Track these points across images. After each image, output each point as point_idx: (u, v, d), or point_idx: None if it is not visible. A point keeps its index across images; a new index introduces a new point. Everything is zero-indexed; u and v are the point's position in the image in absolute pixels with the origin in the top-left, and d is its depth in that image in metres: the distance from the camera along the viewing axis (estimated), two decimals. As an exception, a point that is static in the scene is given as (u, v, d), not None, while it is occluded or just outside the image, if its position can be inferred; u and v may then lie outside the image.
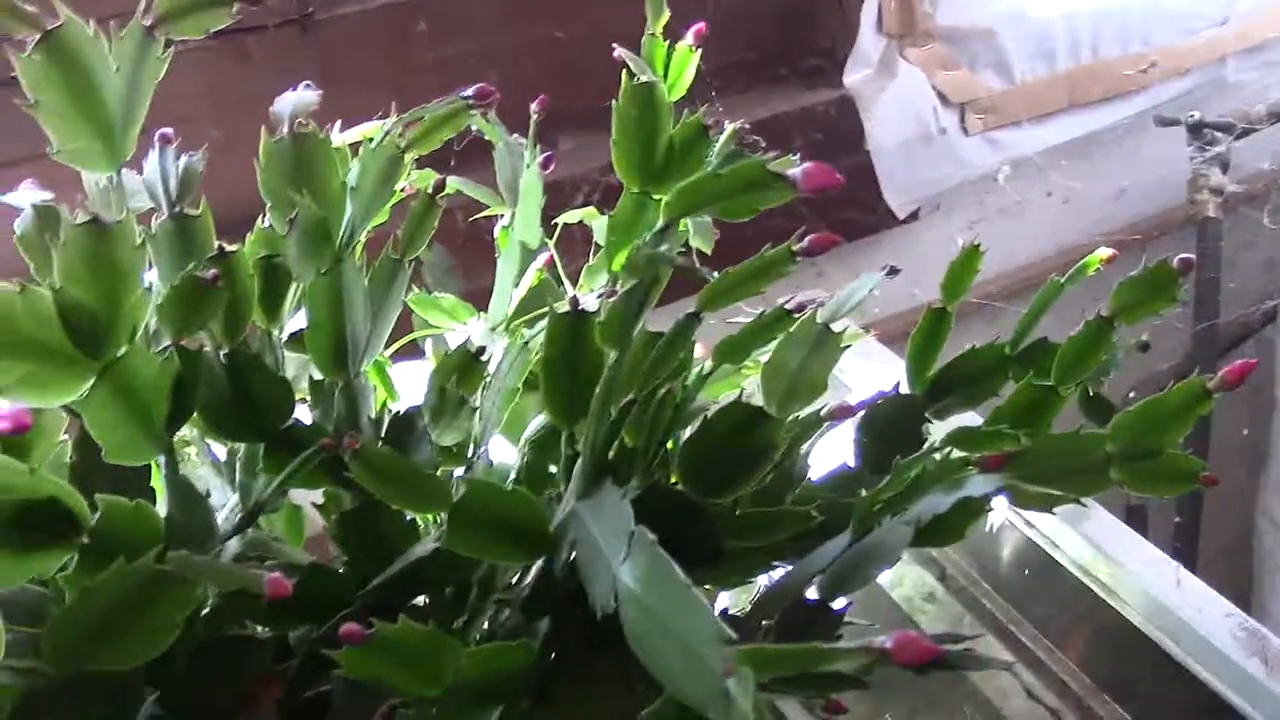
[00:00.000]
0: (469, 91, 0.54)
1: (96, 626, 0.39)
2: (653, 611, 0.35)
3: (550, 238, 0.77)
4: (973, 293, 0.67)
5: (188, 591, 0.39)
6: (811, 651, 0.31)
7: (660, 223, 0.38)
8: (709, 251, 0.75)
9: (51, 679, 0.39)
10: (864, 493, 0.64)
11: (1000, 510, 0.75)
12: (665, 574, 0.35)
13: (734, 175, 0.35)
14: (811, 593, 0.57)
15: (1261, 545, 1.64)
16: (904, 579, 0.77)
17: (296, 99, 0.55)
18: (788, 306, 0.51)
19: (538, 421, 0.67)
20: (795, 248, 0.45)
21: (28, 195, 0.57)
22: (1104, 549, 0.67)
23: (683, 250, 0.69)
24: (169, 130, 0.55)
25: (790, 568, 0.61)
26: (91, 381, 0.44)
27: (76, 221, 0.42)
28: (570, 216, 0.84)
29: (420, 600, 0.58)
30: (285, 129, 0.54)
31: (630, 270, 0.40)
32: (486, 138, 0.81)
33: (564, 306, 0.51)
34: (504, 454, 0.69)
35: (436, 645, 0.41)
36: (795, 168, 0.34)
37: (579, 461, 0.45)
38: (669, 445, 0.57)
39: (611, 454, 0.51)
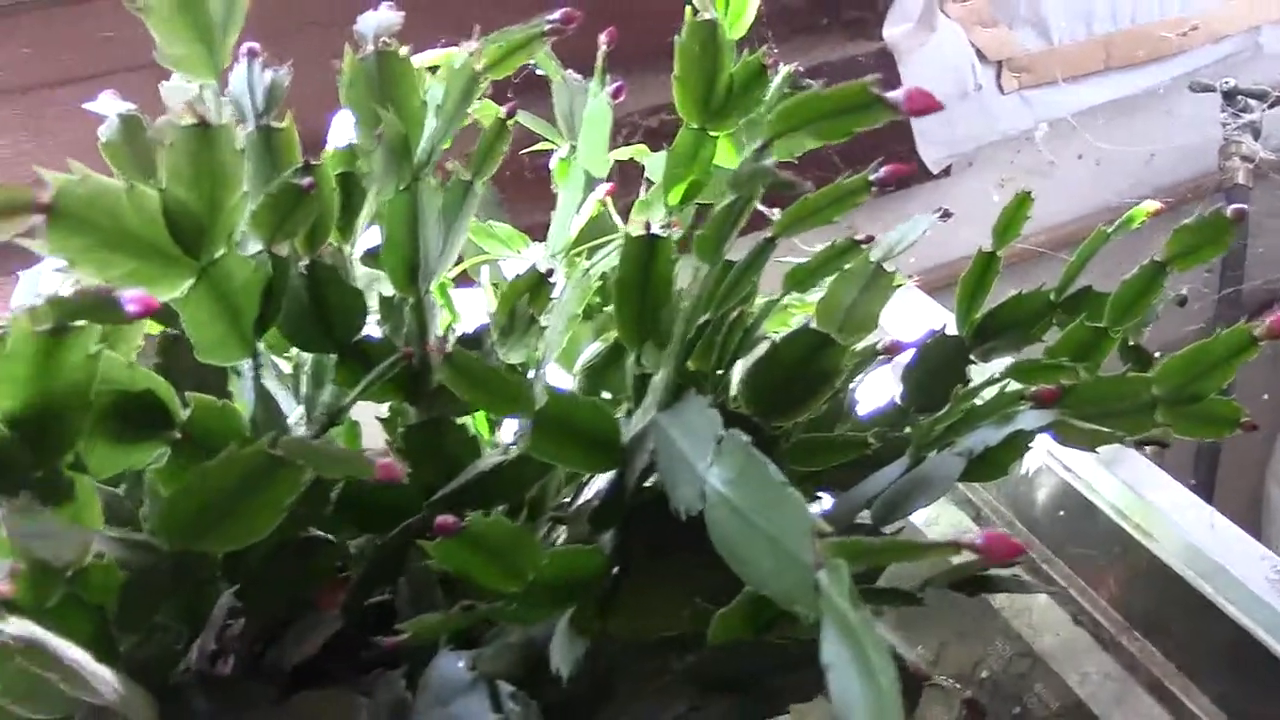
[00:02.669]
0: (555, 15, 0.56)
1: (207, 507, 0.41)
2: (742, 511, 0.37)
3: (600, 174, 0.78)
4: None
5: (295, 475, 0.41)
6: (904, 544, 0.33)
7: (760, 141, 0.40)
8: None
9: (161, 556, 0.41)
10: (909, 429, 0.66)
11: (1037, 453, 0.77)
12: (759, 473, 0.36)
13: (838, 95, 0.36)
14: (861, 519, 0.59)
15: (1271, 510, 1.66)
16: (939, 518, 0.79)
17: (379, 18, 0.56)
18: (856, 238, 0.52)
19: (593, 349, 0.69)
20: (871, 177, 0.46)
21: (112, 104, 0.58)
22: (1139, 492, 0.69)
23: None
24: (255, 45, 0.56)
25: (834, 499, 0.63)
26: (191, 281, 0.46)
27: (184, 123, 0.44)
28: (621, 153, 0.86)
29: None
30: (370, 47, 0.55)
31: (733, 185, 0.41)
32: (539, 73, 0.82)
33: (638, 230, 0.52)
34: (557, 382, 0.71)
35: (522, 541, 0.43)
36: (896, 91, 0.35)
37: (660, 374, 0.47)
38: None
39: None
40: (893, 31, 1.39)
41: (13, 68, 1.04)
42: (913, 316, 0.88)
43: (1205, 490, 1.48)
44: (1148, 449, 1.39)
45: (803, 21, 1.39)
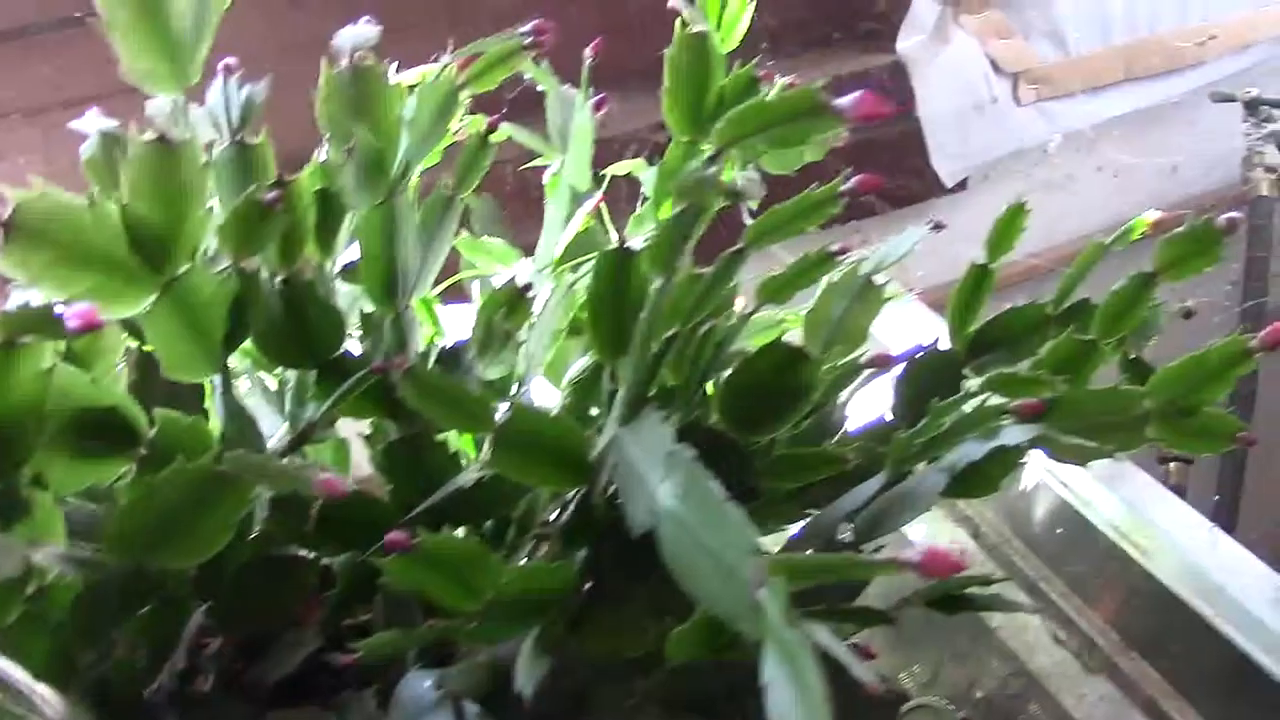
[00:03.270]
0: (526, 28, 0.55)
1: (155, 523, 0.40)
2: (689, 527, 0.36)
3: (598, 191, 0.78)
4: (1017, 266, 0.67)
5: (243, 492, 0.40)
6: (843, 561, 0.32)
7: (709, 151, 0.39)
8: (754, 207, 0.76)
9: (111, 571, 0.41)
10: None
11: (1035, 471, 0.75)
12: (701, 489, 0.36)
13: (783, 103, 0.35)
14: (845, 539, 0.58)
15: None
16: (936, 536, 0.78)
17: (356, 33, 0.56)
18: (831, 249, 0.52)
19: (579, 364, 0.69)
20: (841, 188, 0.46)
21: (95, 122, 0.58)
22: (1140, 510, 0.67)
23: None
24: (232, 60, 0.56)
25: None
26: (154, 296, 0.46)
27: (144, 139, 0.44)
28: (618, 168, 0.85)
29: (460, 534, 0.60)
30: (345, 61, 0.55)
31: (679, 194, 0.41)
32: (539, 89, 0.82)
33: (612, 244, 0.52)
34: (546, 398, 0.70)
35: (477, 558, 0.42)
36: (844, 98, 0.35)
37: (620, 390, 0.46)
38: (709, 388, 0.58)
39: (653, 393, 0.52)
40: (906, 44, 1.38)
41: (34, 88, 1.06)
42: (914, 330, 0.87)
43: (1228, 511, 1.45)
44: (1171, 465, 1.36)
45: (815, 34, 1.39)
